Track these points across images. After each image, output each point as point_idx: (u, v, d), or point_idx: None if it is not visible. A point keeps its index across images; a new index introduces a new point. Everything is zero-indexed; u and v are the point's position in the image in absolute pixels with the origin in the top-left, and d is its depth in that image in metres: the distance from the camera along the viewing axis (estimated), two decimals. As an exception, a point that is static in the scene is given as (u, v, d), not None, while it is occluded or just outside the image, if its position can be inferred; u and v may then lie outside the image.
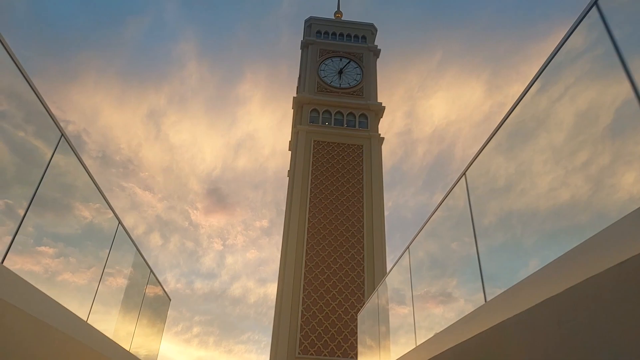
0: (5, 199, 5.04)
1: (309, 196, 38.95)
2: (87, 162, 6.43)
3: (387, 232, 38.43)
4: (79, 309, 6.30)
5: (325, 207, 38.53)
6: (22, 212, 5.00)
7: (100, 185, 6.47)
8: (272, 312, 33.92)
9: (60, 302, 5.49)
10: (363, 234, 37.50)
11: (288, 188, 40.02)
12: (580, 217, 3.68)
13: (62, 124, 5.59)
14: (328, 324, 33.10)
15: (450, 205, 6.75)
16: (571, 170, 3.69)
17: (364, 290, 34.83)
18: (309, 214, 37.95)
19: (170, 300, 8.08)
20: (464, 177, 5.99)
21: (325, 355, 31.78)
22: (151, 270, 7.87)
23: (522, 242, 4.60)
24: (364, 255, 36.43)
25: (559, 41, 3.92)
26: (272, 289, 46.40)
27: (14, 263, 4.87)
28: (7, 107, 5.05)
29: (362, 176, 40.79)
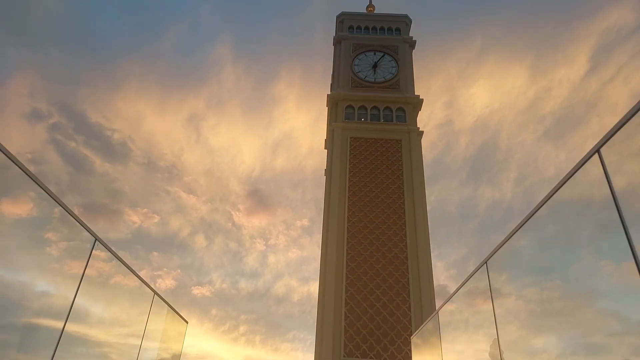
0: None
1: (347, 194, 37.96)
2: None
3: (430, 229, 36.83)
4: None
5: (365, 205, 37.40)
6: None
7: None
8: (315, 311, 33.19)
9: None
10: (405, 231, 36.08)
11: (325, 187, 39.22)
12: None
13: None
14: (373, 326, 31.96)
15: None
16: None
17: (409, 291, 33.44)
18: (348, 212, 36.96)
19: (187, 322, 7.04)
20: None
21: (371, 358, 30.67)
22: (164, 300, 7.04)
23: None
24: (407, 254, 35.02)
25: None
26: (315, 288, 45.75)
27: (70, 268, 5.15)
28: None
29: (402, 171, 39.36)
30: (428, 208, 38.17)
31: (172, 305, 6.39)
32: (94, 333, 6.55)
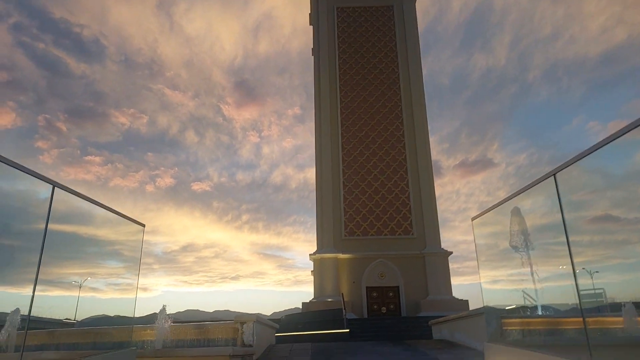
0: None
1: (337, 73, 35.45)
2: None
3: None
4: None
5: (358, 83, 35.16)
6: None
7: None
8: (314, 196, 33.23)
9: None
10: (401, 107, 34.46)
11: (314, 68, 36.46)
12: None
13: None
14: (372, 205, 32.16)
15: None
16: None
17: (406, 168, 32.99)
18: (340, 93, 34.89)
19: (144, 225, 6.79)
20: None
21: (372, 235, 31.38)
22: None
23: None
24: (403, 131, 33.86)
25: None
26: (311, 174, 45.57)
27: (67, 174, 5.46)
28: None
29: (395, 42, 36.30)
30: (424, 81, 35.96)
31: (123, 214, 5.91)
32: (102, 233, 6.80)
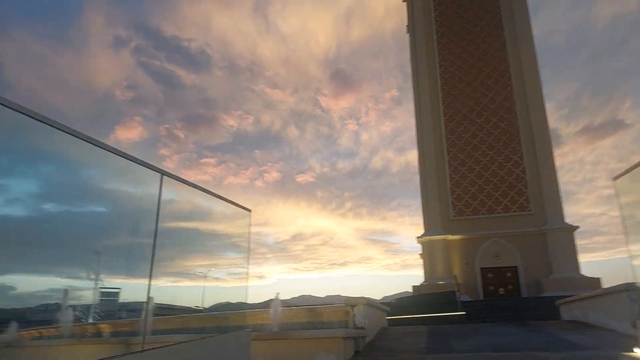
0: None
1: (436, 48, 33.88)
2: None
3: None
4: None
5: (458, 56, 33.24)
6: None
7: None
8: (417, 178, 32.50)
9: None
10: (509, 75, 31.81)
11: (410, 45, 35.25)
12: None
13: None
14: (481, 182, 30.44)
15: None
16: None
17: (519, 139, 30.57)
18: (439, 68, 33.35)
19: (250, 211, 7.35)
20: None
21: (483, 213, 29.82)
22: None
23: None
24: (514, 101, 31.29)
25: None
26: (413, 156, 44.59)
27: (187, 176, 5.96)
28: None
29: (499, 5, 33.46)
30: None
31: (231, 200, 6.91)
32: (220, 227, 7.44)
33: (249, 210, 7.40)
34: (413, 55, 34.72)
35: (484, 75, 32.29)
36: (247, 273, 7.21)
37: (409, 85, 34.90)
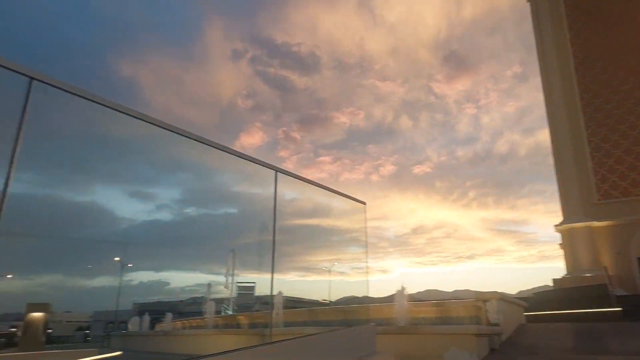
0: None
1: (563, 11, 30.16)
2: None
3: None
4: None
5: (592, 16, 29.13)
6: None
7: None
8: (550, 160, 29.32)
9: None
10: (661, 31, 26.89)
11: (532, 14, 31.88)
12: None
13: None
14: (631, 158, 26.28)
15: None
16: None
17: (679, 105, 25.75)
18: (569, 33, 29.61)
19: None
20: None
21: (637, 195, 25.76)
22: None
23: None
24: (669, 60, 26.40)
25: None
26: (543, 136, 40.36)
27: (306, 175, 6.11)
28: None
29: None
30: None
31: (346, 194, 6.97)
32: (341, 223, 7.58)
33: (364, 203, 7.45)
34: (536, 23, 31.37)
35: (627, 34, 27.82)
36: (366, 267, 7.24)
37: (533, 58, 31.63)
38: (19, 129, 2.54)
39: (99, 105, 3.14)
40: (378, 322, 8.85)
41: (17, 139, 2.52)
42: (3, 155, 2.53)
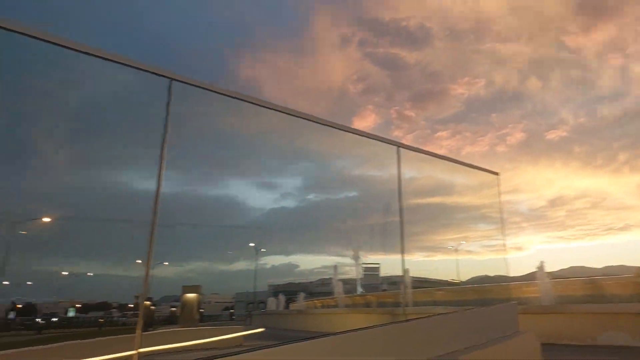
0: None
1: None
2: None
3: None
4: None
5: None
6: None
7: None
8: None
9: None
10: None
11: None
12: None
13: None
14: None
15: None
16: None
17: None
18: None
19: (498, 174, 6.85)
20: None
21: None
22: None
23: None
24: None
25: None
26: None
27: (439, 147, 6.82)
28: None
29: None
30: None
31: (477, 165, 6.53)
32: (466, 200, 7.29)
33: (497, 174, 6.86)
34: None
35: None
36: (504, 244, 6.73)
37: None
38: (165, 132, 2.73)
39: (231, 99, 3.23)
40: (515, 300, 8.27)
41: (163, 141, 2.72)
42: (152, 157, 2.77)
